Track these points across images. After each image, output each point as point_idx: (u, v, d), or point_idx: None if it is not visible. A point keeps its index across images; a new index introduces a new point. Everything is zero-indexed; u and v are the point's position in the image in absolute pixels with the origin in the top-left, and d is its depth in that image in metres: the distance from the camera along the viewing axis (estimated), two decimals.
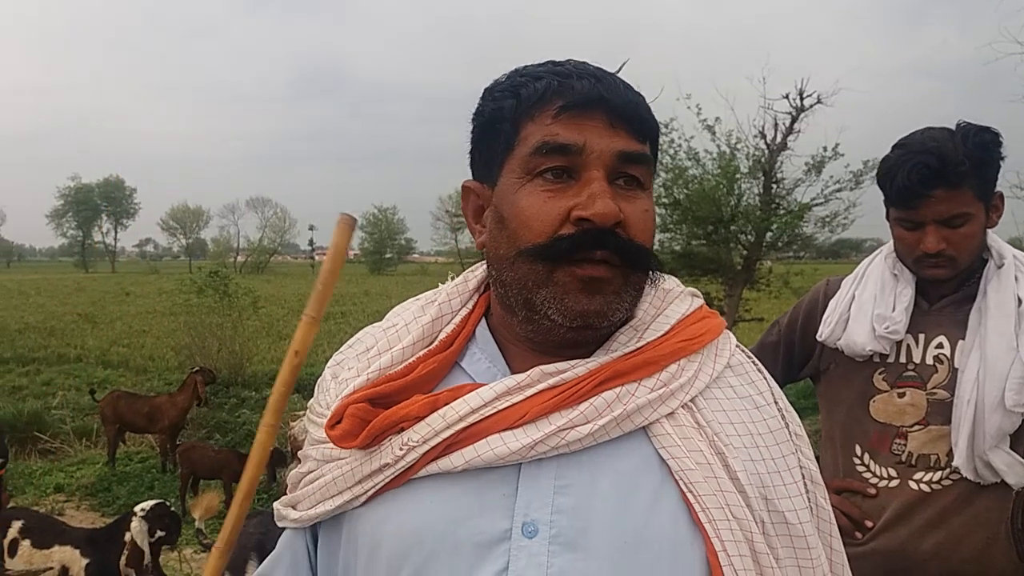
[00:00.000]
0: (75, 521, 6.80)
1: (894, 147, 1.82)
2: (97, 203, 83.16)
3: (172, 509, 4.92)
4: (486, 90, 0.96)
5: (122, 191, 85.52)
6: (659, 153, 1.00)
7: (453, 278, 1.04)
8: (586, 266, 0.85)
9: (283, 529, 1.04)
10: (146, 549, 4.63)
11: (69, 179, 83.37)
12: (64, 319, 22.03)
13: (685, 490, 0.86)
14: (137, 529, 4.64)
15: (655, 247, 0.96)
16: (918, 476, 1.83)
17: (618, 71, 0.93)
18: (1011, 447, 1.75)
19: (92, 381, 12.77)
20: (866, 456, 1.91)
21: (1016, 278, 1.78)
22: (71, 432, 10.34)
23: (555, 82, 0.88)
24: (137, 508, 4.83)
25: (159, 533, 4.70)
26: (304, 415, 1.07)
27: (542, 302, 0.87)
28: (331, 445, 0.93)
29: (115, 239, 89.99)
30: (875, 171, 1.90)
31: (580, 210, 0.85)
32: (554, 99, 0.88)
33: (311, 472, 0.97)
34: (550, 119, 0.88)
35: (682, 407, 0.89)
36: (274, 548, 1.06)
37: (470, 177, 1.00)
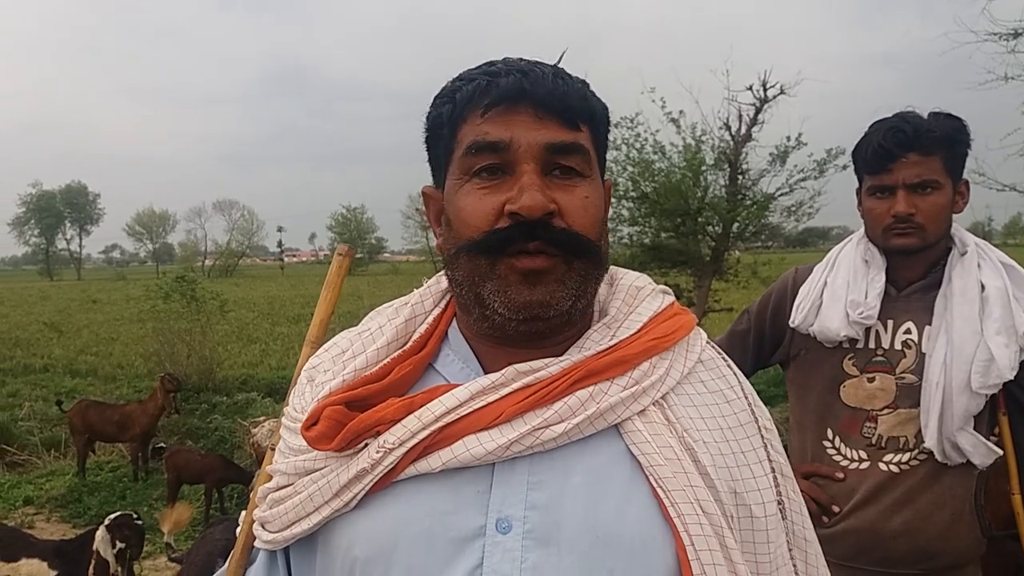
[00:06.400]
0: (46, 533, 6.70)
1: (871, 126, 1.88)
2: (60, 209, 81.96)
3: (137, 520, 4.82)
4: (434, 97, 0.96)
5: (85, 197, 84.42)
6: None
7: (427, 281, 1.04)
8: (523, 258, 0.86)
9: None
10: (111, 560, 4.55)
11: (30, 186, 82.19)
12: (29, 328, 21.59)
13: (655, 485, 0.86)
14: (100, 540, 4.57)
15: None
16: (888, 458, 1.88)
17: (558, 62, 0.94)
18: (975, 429, 1.79)
19: (60, 391, 12.55)
20: (837, 440, 1.95)
21: (979, 265, 1.83)
22: (39, 443, 10.14)
23: (484, 82, 0.89)
24: (108, 519, 4.77)
25: (119, 544, 4.60)
26: (265, 421, 1.07)
27: (488, 295, 0.88)
28: (304, 457, 0.93)
29: (80, 246, 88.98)
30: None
31: (511, 204, 0.86)
32: (482, 99, 0.89)
33: (282, 489, 0.96)
34: (479, 119, 0.89)
35: (653, 404, 0.90)
36: None
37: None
